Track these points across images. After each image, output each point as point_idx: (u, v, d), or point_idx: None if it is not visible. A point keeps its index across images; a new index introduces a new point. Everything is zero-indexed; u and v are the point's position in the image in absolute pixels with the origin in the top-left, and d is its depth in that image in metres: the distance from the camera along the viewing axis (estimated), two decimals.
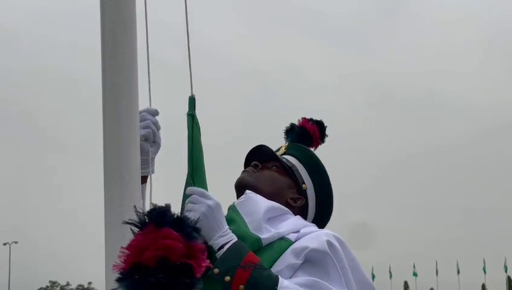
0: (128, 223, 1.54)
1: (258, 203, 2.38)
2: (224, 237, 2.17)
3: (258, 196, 2.42)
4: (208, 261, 1.53)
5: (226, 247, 2.14)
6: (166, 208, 1.54)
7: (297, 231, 2.34)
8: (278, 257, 2.25)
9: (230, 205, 2.41)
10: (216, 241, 2.16)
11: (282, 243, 2.29)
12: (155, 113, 2.36)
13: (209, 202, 2.19)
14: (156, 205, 1.56)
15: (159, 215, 1.52)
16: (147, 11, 2.32)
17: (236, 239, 2.18)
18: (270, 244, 2.28)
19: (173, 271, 1.47)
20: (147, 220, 1.53)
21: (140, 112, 2.26)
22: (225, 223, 2.20)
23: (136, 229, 1.53)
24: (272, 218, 2.37)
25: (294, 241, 2.29)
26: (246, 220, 2.32)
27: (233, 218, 2.31)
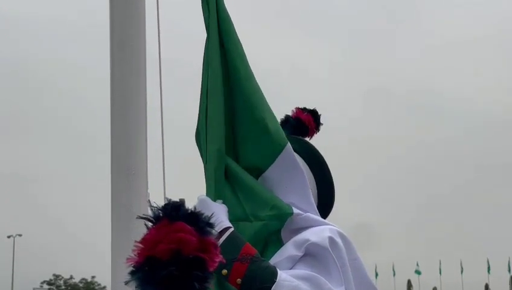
0: (142, 218, 1.57)
1: None
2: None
3: None
4: (221, 256, 1.56)
5: (221, 239, 2.13)
6: (180, 203, 1.57)
7: (305, 211, 2.33)
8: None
9: None
10: None
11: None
12: None
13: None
14: (170, 199, 1.58)
15: (173, 210, 1.55)
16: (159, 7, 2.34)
17: (231, 229, 2.16)
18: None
19: (186, 264, 1.49)
20: (161, 215, 1.55)
21: None
22: (213, 214, 2.22)
23: (149, 224, 1.56)
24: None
25: (292, 216, 2.28)
26: None
27: None
